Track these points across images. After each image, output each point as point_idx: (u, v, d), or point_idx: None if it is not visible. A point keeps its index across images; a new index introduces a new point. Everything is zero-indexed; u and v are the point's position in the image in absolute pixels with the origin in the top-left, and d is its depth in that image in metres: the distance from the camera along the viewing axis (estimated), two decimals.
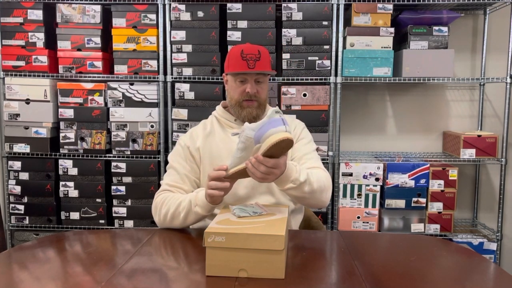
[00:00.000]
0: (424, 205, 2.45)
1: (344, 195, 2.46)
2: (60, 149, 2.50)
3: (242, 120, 1.57)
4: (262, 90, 1.55)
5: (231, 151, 1.53)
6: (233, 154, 1.29)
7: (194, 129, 1.64)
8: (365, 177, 2.44)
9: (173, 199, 1.46)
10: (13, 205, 2.54)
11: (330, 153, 2.45)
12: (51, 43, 2.52)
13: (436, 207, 2.46)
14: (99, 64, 2.48)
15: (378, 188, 2.45)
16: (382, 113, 2.80)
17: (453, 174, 2.44)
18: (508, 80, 2.43)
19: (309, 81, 2.42)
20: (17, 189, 2.52)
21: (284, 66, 2.41)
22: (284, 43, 2.41)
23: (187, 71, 2.45)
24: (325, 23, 2.39)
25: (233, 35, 2.40)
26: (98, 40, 2.48)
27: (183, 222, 1.43)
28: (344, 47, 2.43)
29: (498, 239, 2.53)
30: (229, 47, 2.41)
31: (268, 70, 1.54)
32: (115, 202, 2.52)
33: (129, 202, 2.51)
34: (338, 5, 2.39)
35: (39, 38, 2.48)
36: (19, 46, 2.49)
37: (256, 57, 1.49)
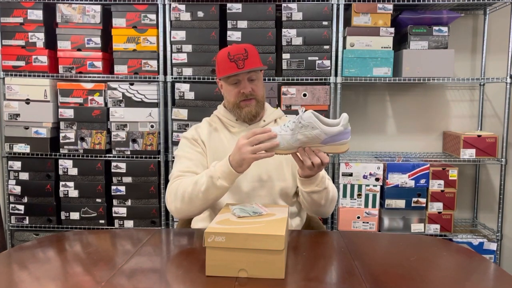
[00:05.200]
0: (424, 205, 2.45)
1: (344, 195, 2.46)
2: (60, 149, 2.50)
3: (243, 120, 1.57)
4: (257, 87, 1.54)
5: (232, 148, 1.53)
6: (287, 137, 1.25)
7: (199, 125, 1.64)
8: (365, 177, 2.43)
9: (188, 181, 1.41)
10: (13, 205, 2.54)
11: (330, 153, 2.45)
12: (51, 43, 2.52)
13: (436, 207, 2.46)
14: (99, 64, 2.48)
15: (378, 188, 2.45)
16: (382, 113, 2.80)
17: (453, 174, 2.44)
18: (508, 80, 2.43)
19: (309, 81, 2.42)
20: (17, 189, 2.52)
21: (284, 66, 2.41)
22: (284, 43, 2.41)
23: (187, 71, 2.45)
24: (325, 23, 2.39)
25: (233, 35, 2.40)
26: (98, 40, 2.48)
27: (203, 202, 1.37)
28: (344, 47, 2.43)
29: (498, 239, 2.53)
30: None
31: (258, 66, 1.51)
32: (115, 202, 2.52)
33: (129, 202, 2.51)
34: (338, 5, 2.39)
35: (39, 38, 2.48)
36: (19, 46, 2.49)
37: (244, 56, 1.47)
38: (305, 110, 1.24)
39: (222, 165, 1.34)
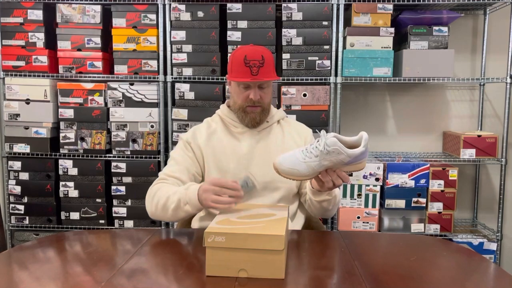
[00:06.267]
0: (424, 205, 2.45)
1: (344, 195, 2.46)
2: (60, 149, 2.50)
3: (246, 125, 1.57)
4: (265, 95, 1.54)
5: (235, 149, 1.54)
6: (312, 164, 1.25)
7: (198, 127, 1.64)
8: (365, 177, 2.43)
9: (164, 191, 1.44)
10: (13, 205, 2.54)
11: None
12: (51, 43, 2.52)
13: (436, 207, 2.46)
14: (99, 64, 2.48)
15: (378, 188, 2.45)
16: (382, 113, 2.80)
17: (453, 174, 2.44)
18: (508, 80, 2.43)
19: (309, 81, 2.42)
20: (17, 189, 2.52)
21: (284, 66, 2.41)
22: (284, 43, 2.41)
23: (187, 71, 2.45)
24: (325, 23, 2.39)
25: (233, 35, 2.40)
26: (98, 40, 2.48)
27: (174, 217, 1.43)
28: (344, 47, 2.43)
29: (498, 239, 2.53)
30: (229, 47, 2.42)
31: (272, 79, 1.51)
32: (115, 202, 2.52)
33: (129, 202, 2.51)
34: (338, 5, 2.39)
35: (39, 38, 2.48)
36: (19, 46, 2.49)
37: (260, 63, 1.46)
38: (326, 133, 1.24)
39: (192, 192, 1.36)
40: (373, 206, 2.46)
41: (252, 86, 1.50)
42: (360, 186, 2.45)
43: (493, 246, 2.50)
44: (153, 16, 2.44)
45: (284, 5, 2.38)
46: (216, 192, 1.28)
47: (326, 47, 2.40)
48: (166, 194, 1.42)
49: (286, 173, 1.27)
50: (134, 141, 2.48)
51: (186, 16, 2.41)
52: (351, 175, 2.43)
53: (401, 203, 2.45)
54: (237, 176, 1.47)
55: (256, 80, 1.47)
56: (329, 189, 1.31)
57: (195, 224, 1.61)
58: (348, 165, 1.26)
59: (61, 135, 2.49)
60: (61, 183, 2.50)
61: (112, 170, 2.48)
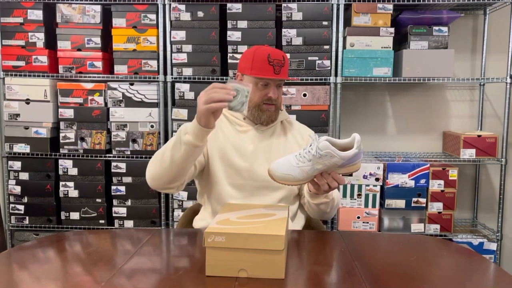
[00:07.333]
0: (424, 205, 2.45)
1: (344, 195, 2.46)
2: (60, 149, 2.50)
3: (261, 123, 1.58)
4: (280, 94, 1.57)
5: (240, 147, 1.54)
6: (306, 169, 1.25)
7: None
8: (365, 177, 2.43)
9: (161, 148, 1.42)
10: (13, 205, 2.54)
11: None
12: (51, 43, 2.52)
13: (436, 207, 2.46)
14: (99, 64, 2.48)
15: (378, 188, 2.45)
16: (382, 113, 2.80)
17: (453, 174, 2.44)
18: (508, 80, 2.43)
19: (309, 81, 2.42)
20: (17, 189, 2.52)
21: None
22: (284, 43, 2.41)
23: (187, 71, 2.45)
24: (325, 23, 2.39)
25: (233, 35, 2.40)
26: (98, 40, 2.48)
27: (171, 162, 1.34)
28: (344, 47, 2.43)
29: (498, 239, 2.53)
30: (229, 47, 2.42)
31: (289, 78, 1.59)
32: (115, 202, 2.52)
33: (129, 202, 2.51)
34: (338, 5, 2.39)
35: (39, 38, 2.48)
36: (19, 46, 2.49)
37: (282, 63, 1.50)
38: (318, 137, 1.24)
39: (193, 121, 1.32)
40: (373, 206, 2.46)
41: (271, 84, 1.52)
42: (360, 186, 2.45)
43: (493, 246, 2.50)
44: (153, 16, 2.44)
45: (284, 5, 2.38)
46: (208, 94, 1.24)
47: (326, 47, 2.40)
48: (163, 146, 1.40)
49: (280, 178, 1.28)
50: (134, 141, 2.48)
51: (186, 16, 2.41)
52: (351, 175, 2.43)
53: (401, 203, 2.45)
54: (242, 172, 1.51)
55: (280, 78, 1.50)
56: (325, 191, 1.32)
57: (195, 224, 1.61)
58: (343, 168, 1.26)
59: (61, 135, 2.49)
60: (61, 183, 2.50)
61: (112, 170, 2.48)
